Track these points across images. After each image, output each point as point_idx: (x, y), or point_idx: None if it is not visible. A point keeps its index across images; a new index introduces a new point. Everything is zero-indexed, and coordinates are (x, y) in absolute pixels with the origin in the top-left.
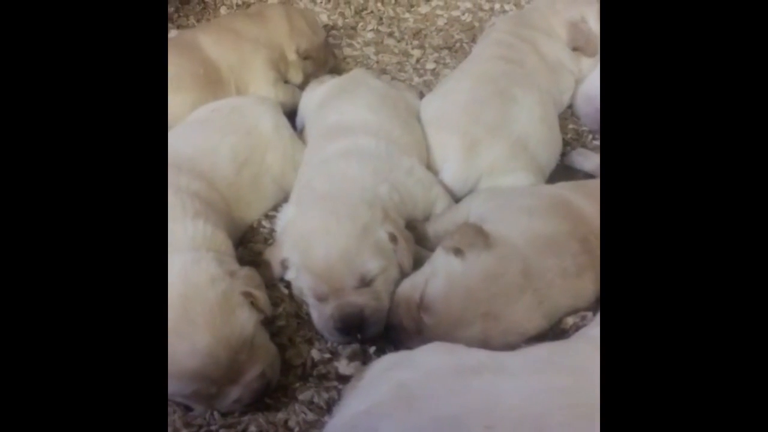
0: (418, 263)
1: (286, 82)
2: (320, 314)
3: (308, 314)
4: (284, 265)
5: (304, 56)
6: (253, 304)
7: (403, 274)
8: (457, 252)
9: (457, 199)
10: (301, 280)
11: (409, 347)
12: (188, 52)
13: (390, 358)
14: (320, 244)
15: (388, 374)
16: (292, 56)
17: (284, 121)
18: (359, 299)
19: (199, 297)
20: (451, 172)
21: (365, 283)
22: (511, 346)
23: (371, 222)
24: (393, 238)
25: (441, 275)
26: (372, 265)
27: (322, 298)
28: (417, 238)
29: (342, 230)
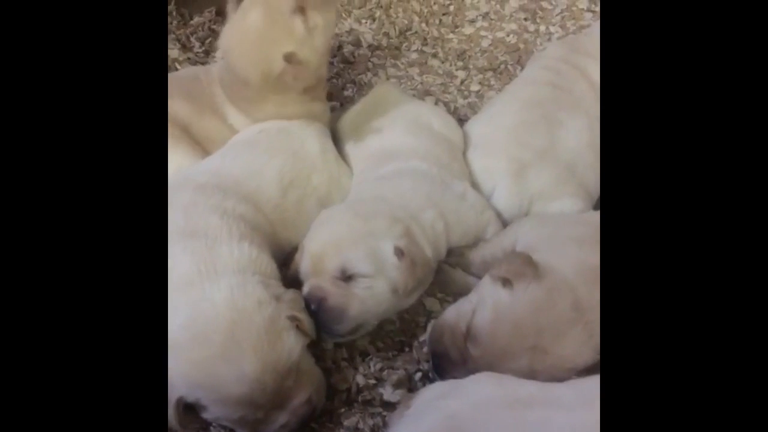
0: (462, 289)
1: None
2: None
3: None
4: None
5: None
6: (299, 327)
7: (394, 293)
8: (505, 282)
9: (506, 223)
10: (300, 262)
11: (454, 377)
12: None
13: (438, 387)
14: (324, 228)
15: (437, 404)
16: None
17: (330, 144)
18: (329, 288)
19: (246, 322)
20: (502, 197)
21: (345, 277)
22: (558, 380)
23: (382, 231)
24: (399, 253)
25: (488, 305)
26: (358, 264)
27: (305, 276)
28: (463, 265)
29: (349, 222)
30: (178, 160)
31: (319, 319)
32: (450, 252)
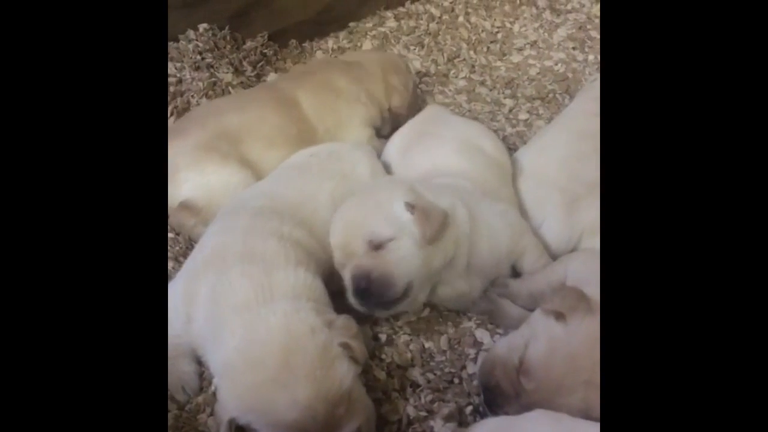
0: (512, 321)
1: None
2: (346, 285)
3: (402, 366)
4: None
5: (395, 114)
6: (351, 356)
7: (418, 245)
8: (558, 316)
9: (554, 256)
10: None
11: (506, 411)
12: (286, 110)
13: (491, 424)
14: (338, 221)
15: None
16: (384, 113)
17: (380, 167)
18: (368, 263)
19: (300, 348)
20: (552, 228)
21: (374, 247)
22: None
23: (388, 196)
24: (410, 207)
25: (542, 339)
26: (379, 231)
27: (341, 268)
28: (510, 296)
29: (356, 204)
30: (225, 178)
31: (370, 295)
32: (495, 282)
